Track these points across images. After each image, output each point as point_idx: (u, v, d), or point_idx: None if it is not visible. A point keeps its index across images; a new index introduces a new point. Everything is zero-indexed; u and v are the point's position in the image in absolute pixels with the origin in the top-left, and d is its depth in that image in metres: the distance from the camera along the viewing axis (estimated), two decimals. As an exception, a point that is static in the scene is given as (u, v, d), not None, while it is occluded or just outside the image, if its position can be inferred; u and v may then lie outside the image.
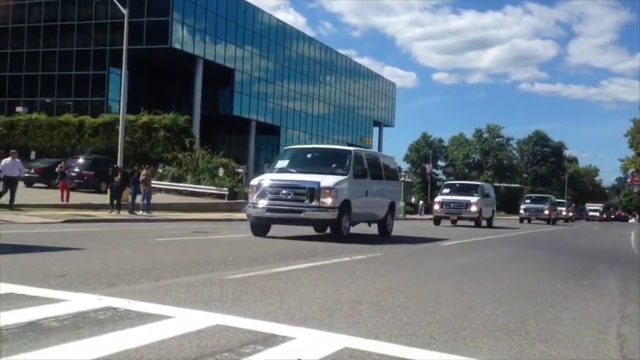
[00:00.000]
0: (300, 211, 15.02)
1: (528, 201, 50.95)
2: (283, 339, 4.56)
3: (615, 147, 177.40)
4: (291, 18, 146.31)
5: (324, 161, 17.00)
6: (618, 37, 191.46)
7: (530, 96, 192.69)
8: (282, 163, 17.02)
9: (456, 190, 34.49)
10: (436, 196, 36.92)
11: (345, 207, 15.51)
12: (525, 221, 46.82)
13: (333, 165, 16.45)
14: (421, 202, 65.37)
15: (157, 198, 28.68)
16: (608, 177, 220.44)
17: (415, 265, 10.82)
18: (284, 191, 15.33)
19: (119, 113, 33.83)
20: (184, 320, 5.04)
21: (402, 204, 47.87)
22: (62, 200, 25.96)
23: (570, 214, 66.16)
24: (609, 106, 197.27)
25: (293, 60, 72.68)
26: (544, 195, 57.20)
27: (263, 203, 15.32)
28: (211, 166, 40.87)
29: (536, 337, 5.20)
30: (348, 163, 16.28)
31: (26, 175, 30.76)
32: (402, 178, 73.45)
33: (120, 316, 5.11)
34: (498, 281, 8.93)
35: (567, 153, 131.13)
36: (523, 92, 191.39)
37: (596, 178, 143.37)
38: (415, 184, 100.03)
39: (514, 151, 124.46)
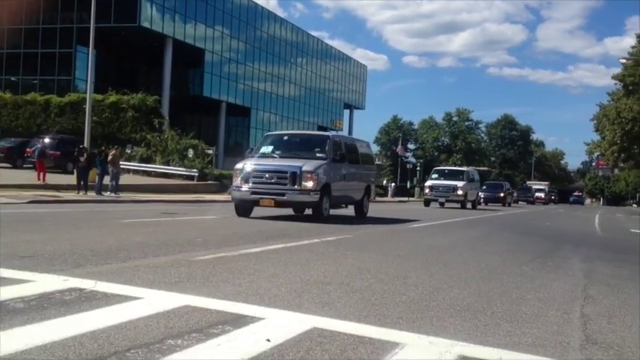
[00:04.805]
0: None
1: (435, 176, 37.41)
2: (252, 319, 4.57)
3: (581, 131, 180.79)
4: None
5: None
6: (585, 23, 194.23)
7: (498, 80, 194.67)
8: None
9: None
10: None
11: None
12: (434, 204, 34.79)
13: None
14: (392, 184, 65.61)
15: (125, 179, 28.35)
16: (573, 161, 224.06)
17: (384, 246, 10.88)
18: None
19: (86, 92, 33.24)
20: (152, 301, 5.01)
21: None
22: (39, 180, 25.81)
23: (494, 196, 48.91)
24: (575, 91, 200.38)
25: (264, 41, 72.06)
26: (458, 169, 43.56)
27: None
28: (181, 148, 40.46)
29: (502, 317, 5.29)
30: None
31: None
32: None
33: (86, 297, 5.06)
34: (465, 262, 9.04)
35: (534, 137, 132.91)
36: (492, 76, 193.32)
37: (562, 162, 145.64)
38: (385, 167, 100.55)
39: (482, 135, 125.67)
